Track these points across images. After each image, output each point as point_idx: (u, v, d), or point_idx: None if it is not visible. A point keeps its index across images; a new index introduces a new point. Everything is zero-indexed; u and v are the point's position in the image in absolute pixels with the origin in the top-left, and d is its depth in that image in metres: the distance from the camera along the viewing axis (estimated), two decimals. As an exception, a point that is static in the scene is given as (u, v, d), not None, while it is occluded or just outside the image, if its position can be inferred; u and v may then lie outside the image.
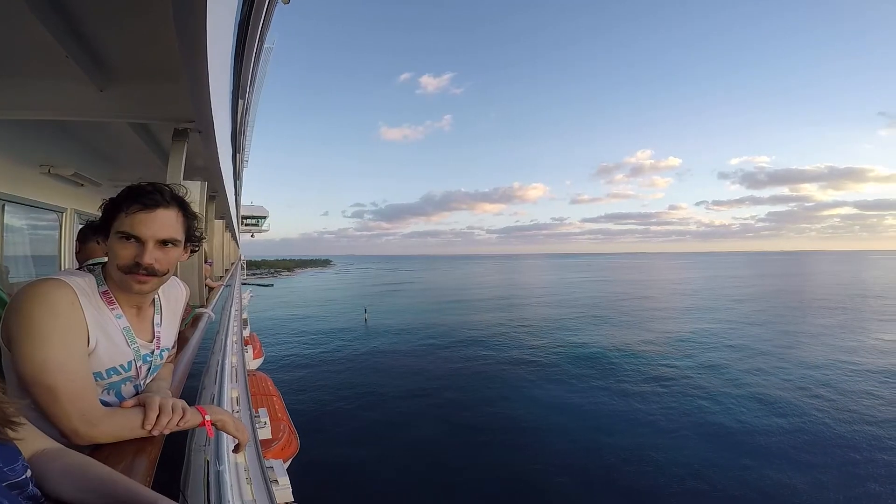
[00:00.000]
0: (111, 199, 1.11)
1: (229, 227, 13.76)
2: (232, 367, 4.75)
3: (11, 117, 2.59)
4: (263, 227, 38.25)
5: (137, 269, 1.07)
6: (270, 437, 4.14)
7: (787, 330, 31.97)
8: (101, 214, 1.13)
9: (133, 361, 1.16)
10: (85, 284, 1.08)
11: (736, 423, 14.62)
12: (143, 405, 1.04)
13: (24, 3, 1.56)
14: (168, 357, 1.39)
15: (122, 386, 1.16)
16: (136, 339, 1.18)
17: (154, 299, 1.28)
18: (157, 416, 1.01)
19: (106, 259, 1.16)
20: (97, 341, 1.06)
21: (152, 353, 1.24)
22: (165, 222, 1.10)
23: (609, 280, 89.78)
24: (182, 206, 1.17)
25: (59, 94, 2.42)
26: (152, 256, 1.08)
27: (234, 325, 7.68)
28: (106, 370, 1.10)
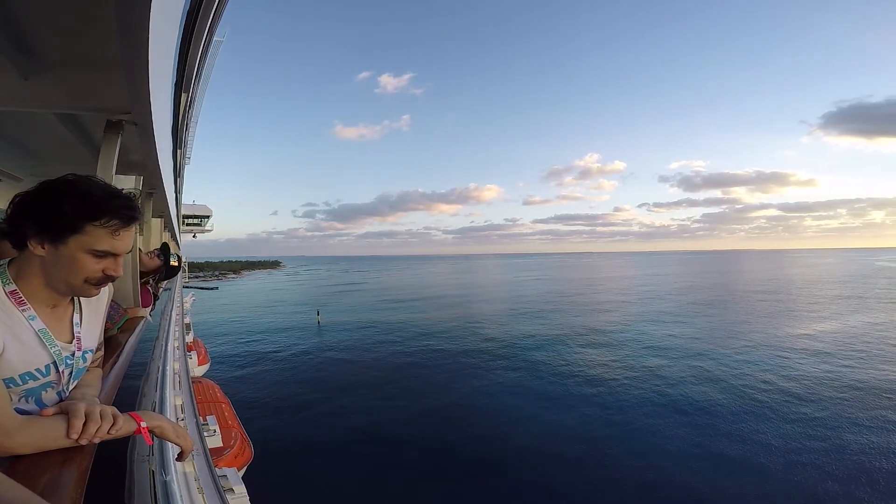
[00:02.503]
0: (72, 201, 0.98)
1: (168, 226, 13.01)
2: (174, 373, 4.47)
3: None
4: (207, 227, 36.43)
5: (105, 281, 1.04)
6: (222, 444, 3.92)
7: (717, 321, 34.81)
8: (39, 211, 0.99)
9: (52, 365, 1.07)
10: None
11: (675, 403, 15.68)
12: (66, 412, 0.95)
13: None
14: (94, 360, 1.30)
15: (43, 392, 1.07)
16: (56, 342, 1.08)
17: (73, 297, 1.17)
18: (84, 424, 0.92)
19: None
20: (4, 345, 0.96)
21: (73, 354, 1.14)
22: (133, 235, 1.06)
23: (558, 279, 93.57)
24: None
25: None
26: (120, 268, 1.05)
27: (175, 330, 7.24)
28: (20, 375, 1.00)
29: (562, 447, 12.90)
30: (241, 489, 1.94)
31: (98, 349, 1.30)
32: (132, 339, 2.76)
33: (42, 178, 1.05)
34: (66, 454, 0.89)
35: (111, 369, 1.60)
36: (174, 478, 1.53)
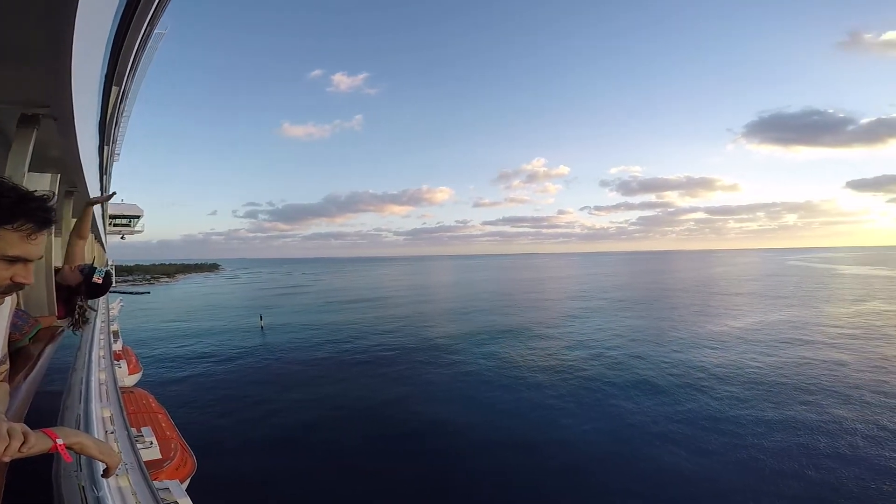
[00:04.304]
0: None
1: (93, 227, 11.98)
2: (100, 384, 4.10)
3: None
4: (137, 228, 33.94)
5: (13, 290, 0.97)
6: (161, 456, 3.64)
7: (652, 315, 37.24)
8: None
9: None
10: None
11: (609, 393, 16.57)
12: None
13: None
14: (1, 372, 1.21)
15: None
16: None
17: None
18: None
19: None
20: None
21: None
22: (47, 238, 1.02)
23: (507, 279, 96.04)
24: None
25: None
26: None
27: (100, 339, 6.65)
28: None
29: (502, 432, 13.68)
30: (185, 501, 1.81)
31: (2, 362, 1.21)
32: (48, 350, 2.50)
33: None
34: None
35: (22, 383, 1.47)
36: (107, 494, 1.40)
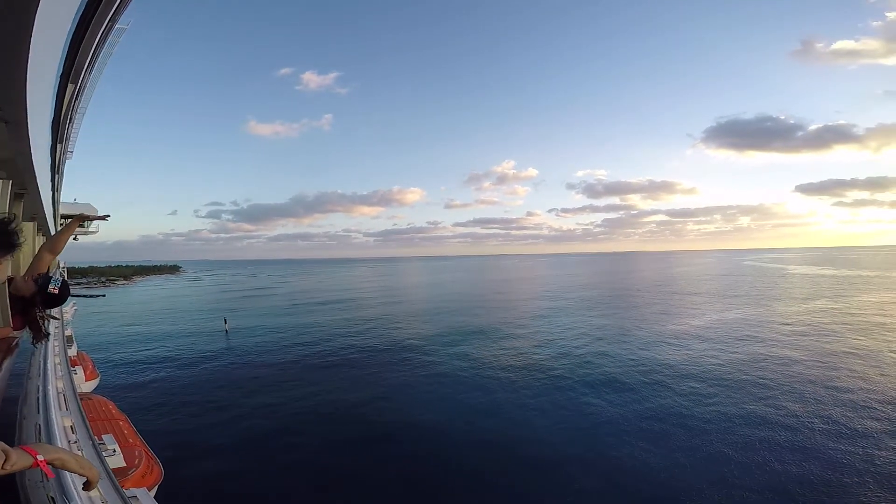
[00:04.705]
0: None
1: (43, 229, 11.31)
2: (58, 392, 3.91)
3: None
4: (91, 229, 32.24)
5: None
6: (125, 464, 3.50)
7: (616, 313, 38.33)
8: None
9: None
10: None
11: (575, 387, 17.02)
12: None
13: None
14: None
15: None
16: None
17: None
18: None
19: None
20: None
21: None
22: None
23: (477, 280, 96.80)
24: None
25: None
26: None
27: (54, 345, 6.32)
28: None
29: (474, 431, 13.91)
30: None
31: None
32: (7, 363, 2.38)
33: None
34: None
35: None
36: (78, 503, 1.36)
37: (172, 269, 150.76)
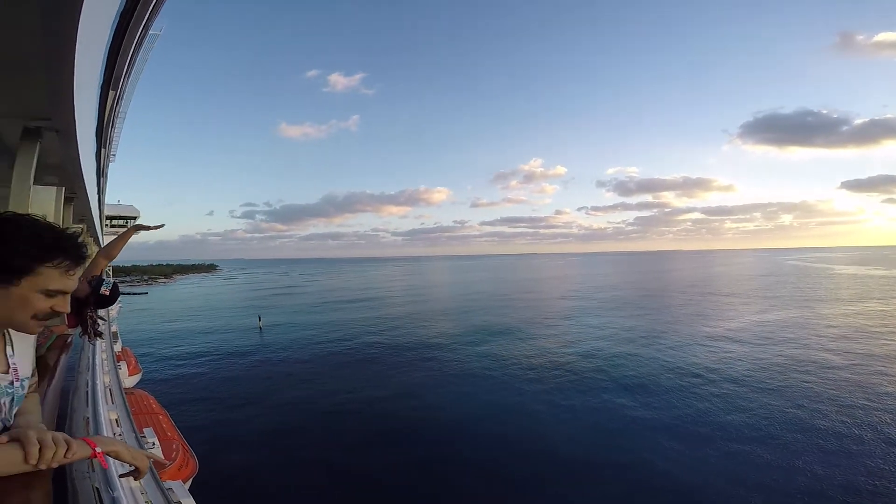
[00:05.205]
0: (24, 245, 0.99)
1: (91, 230, 12.00)
2: (105, 386, 4.15)
3: None
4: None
5: (51, 317, 1.06)
6: (163, 457, 3.70)
7: (650, 314, 37.32)
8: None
9: None
10: None
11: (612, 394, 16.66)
12: (19, 440, 0.95)
13: None
14: (31, 386, 1.29)
15: None
16: None
17: (5, 331, 1.17)
18: (40, 450, 0.93)
19: None
20: None
21: (12, 384, 1.14)
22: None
23: (504, 280, 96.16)
24: None
25: None
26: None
27: (101, 341, 6.68)
28: None
29: (502, 428, 13.98)
30: (189, 502, 1.87)
31: (32, 375, 1.30)
32: (63, 359, 2.55)
33: None
34: (26, 478, 0.92)
35: (47, 391, 1.53)
36: (121, 494, 1.47)
37: (209, 267, 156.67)
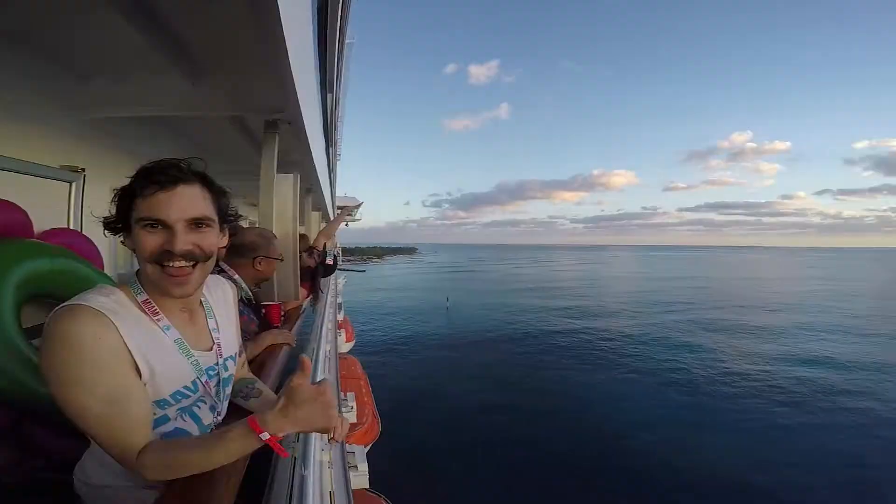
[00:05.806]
0: (121, 189, 0.96)
1: (325, 218, 14.53)
2: (326, 354, 5.07)
3: (110, 115, 2.72)
4: (356, 217, 40.75)
5: (170, 259, 0.92)
6: (355, 420, 4.23)
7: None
8: (114, 210, 0.98)
9: (197, 379, 1.03)
10: (113, 303, 0.91)
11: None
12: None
13: (112, 8, 1.63)
14: (241, 366, 1.28)
15: (195, 408, 1.04)
16: (192, 352, 1.03)
17: (202, 301, 1.12)
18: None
19: None
20: (151, 368, 0.92)
21: (216, 363, 1.09)
22: (192, 200, 0.95)
23: (712, 278, 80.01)
24: (206, 181, 1.02)
25: (151, 90, 2.48)
26: (186, 241, 0.93)
27: (329, 312, 8.13)
28: (171, 395, 0.97)
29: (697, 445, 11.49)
30: (364, 467, 2.13)
31: (240, 354, 1.25)
32: (297, 325, 3.07)
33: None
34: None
35: (277, 359, 1.83)
36: (309, 448, 1.70)
37: (410, 250, 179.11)
